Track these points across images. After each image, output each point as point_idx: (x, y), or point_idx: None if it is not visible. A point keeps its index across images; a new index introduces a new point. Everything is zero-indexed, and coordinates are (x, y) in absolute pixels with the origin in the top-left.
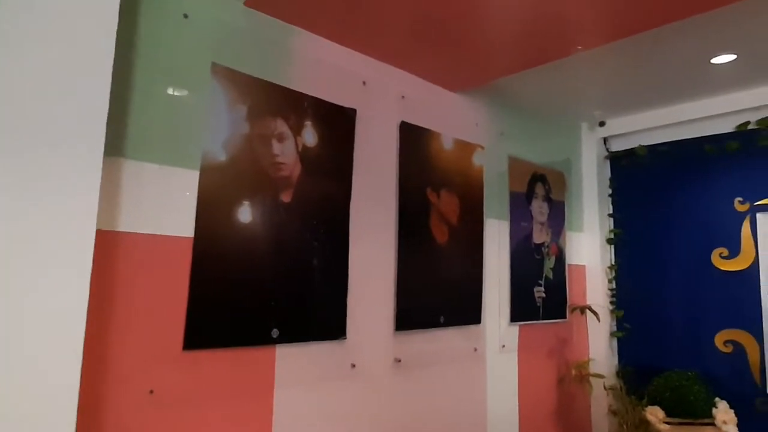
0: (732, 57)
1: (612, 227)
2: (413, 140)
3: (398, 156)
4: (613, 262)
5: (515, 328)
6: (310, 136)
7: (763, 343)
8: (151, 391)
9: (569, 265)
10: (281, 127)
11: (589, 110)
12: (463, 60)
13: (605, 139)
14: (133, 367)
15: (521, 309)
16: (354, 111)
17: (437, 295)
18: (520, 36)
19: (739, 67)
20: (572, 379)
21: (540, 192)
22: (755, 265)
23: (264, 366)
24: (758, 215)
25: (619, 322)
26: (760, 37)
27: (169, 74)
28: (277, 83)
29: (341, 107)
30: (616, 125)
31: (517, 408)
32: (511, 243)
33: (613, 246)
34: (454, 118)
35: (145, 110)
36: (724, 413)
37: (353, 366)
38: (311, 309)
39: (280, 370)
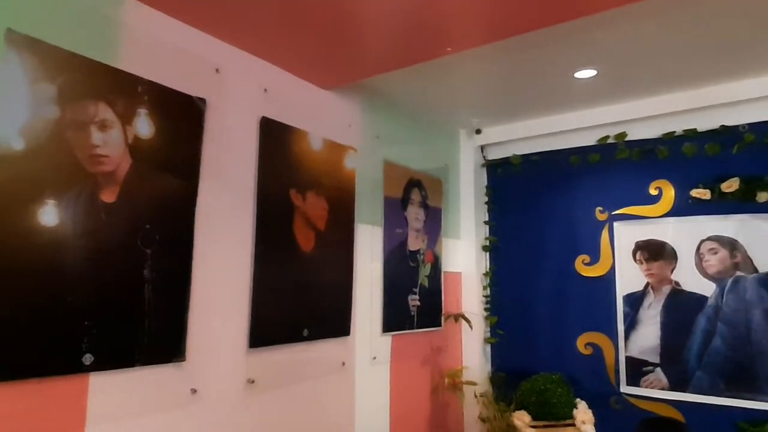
0: (593, 72)
1: (488, 234)
2: (276, 138)
3: (258, 154)
4: (488, 269)
5: (388, 339)
6: (144, 126)
7: (617, 345)
8: None
9: (445, 272)
10: (104, 113)
11: (467, 118)
12: (331, 55)
13: (482, 147)
14: None
15: (395, 318)
16: (203, 101)
17: (301, 306)
18: (391, 33)
19: (600, 82)
20: (446, 388)
21: (416, 198)
22: (612, 271)
23: (72, 399)
24: (615, 224)
25: (493, 329)
26: (618, 55)
27: None
28: (101, 61)
29: (187, 96)
30: (493, 134)
31: (388, 422)
32: (385, 250)
33: (488, 253)
34: (325, 116)
35: None
36: (583, 413)
37: (194, 392)
38: (139, 328)
39: (95, 404)
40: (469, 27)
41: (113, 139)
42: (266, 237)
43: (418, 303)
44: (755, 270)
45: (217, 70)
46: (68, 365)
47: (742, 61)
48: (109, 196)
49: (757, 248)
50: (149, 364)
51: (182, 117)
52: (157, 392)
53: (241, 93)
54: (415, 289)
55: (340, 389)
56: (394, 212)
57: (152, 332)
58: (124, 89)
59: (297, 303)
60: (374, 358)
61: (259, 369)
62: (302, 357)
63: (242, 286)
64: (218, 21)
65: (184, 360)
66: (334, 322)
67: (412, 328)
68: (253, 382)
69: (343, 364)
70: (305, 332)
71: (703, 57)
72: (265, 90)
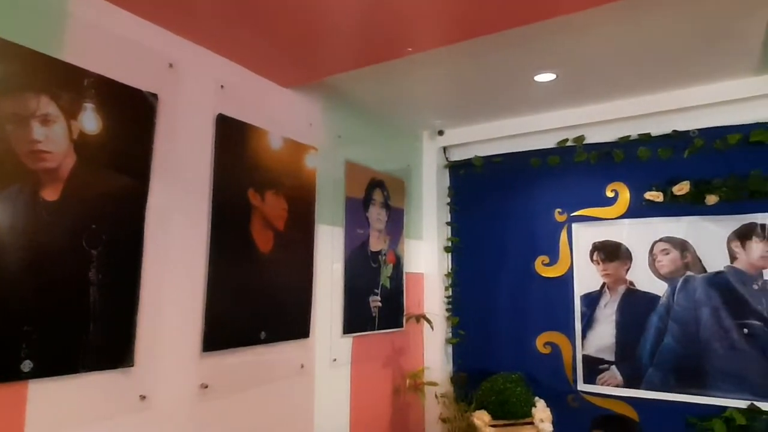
0: (552, 76)
1: (450, 235)
2: (233, 136)
3: (214, 152)
4: (450, 270)
5: (349, 340)
6: (90, 122)
7: (575, 344)
8: None
9: (407, 273)
10: (47, 107)
11: (430, 119)
12: (290, 52)
13: (445, 149)
14: None
15: (355, 319)
16: (155, 96)
17: (258, 308)
18: (351, 32)
19: (559, 86)
20: (407, 389)
21: (378, 198)
22: (570, 272)
23: (9, 409)
24: (574, 225)
25: (455, 329)
26: (576, 60)
27: None
28: (43, 52)
29: (138, 90)
30: (455, 135)
31: (348, 424)
32: (346, 251)
33: (450, 254)
34: (285, 115)
35: None
36: (541, 412)
37: (143, 398)
38: (83, 333)
39: (34, 413)
40: (430, 27)
41: (56, 135)
42: (222, 237)
43: (379, 304)
44: (704, 270)
45: (170, 65)
46: (5, 372)
47: (692, 69)
48: (51, 194)
49: (705, 249)
50: (94, 370)
51: (132, 113)
52: (103, 399)
53: (196, 89)
54: (376, 290)
55: (299, 392)
56: (356, 213)
57: (97, 337)
58: (69, 82)
59: (254, 305)
60: (334, 359)
61: (213, 373)
62: (259, 360)
63: (196, 288)
64: (171, 14)
65: (132, 365)
66: (293, 324)
67: (374, 330)
68: (206, 387)
69: (302, 366)
70: (263, 335)
71: (656, 64)
72: (222, 86)
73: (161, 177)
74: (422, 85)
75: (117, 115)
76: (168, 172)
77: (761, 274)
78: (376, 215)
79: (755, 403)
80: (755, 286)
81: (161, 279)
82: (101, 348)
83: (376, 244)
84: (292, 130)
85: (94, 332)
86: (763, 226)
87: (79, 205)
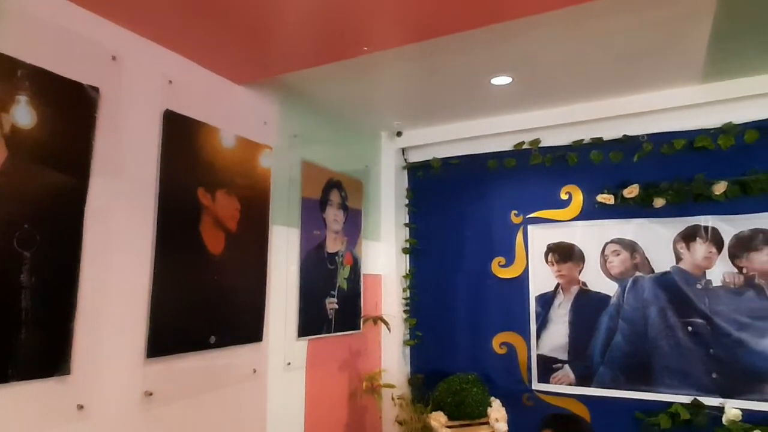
0: (508, 80)
1: (408, 236)
2: (182, 133)
3: (160, 149)
4: (408, 271)
5: (304, 343)
6: (23, 115)
7: (530, 344)
8: None
9: (365, 274)
10: None
11: (389, 120)
12: (243, 48)
13: (404, 150)
14: None
15: (311, 322)
16: (96, 90)
17: (208, 311)
18: (306, 29)
19: (515, 89)
20: (363, 391)
21: (336, 199)
22: (526, 273)
23: None
24: (529, 227)
25: (412, 331)
26: (532, 64)
27: None
28: None
29: (77, 83)
30: (414, 136)
31: (303, 429)
32: (302, 252)
33: (408, 255)
34: (238, 113)
35: None
36: (496, 411)
37: (81, 408)
38: (14, 340)
39: None
40: (386, 27)
41: None
42: (170, 238)
43: (336, 306)
44: (652, 270)
45: (113, 58)
46: None
47: (641, 77)
48: None
49: (653, 250)
50: (27, 379)
51: (71, 107)
52: (37, 410)
53: (142, 83)
54: (333, 292)
55: (251, 397)
56: (313, 213)
57: (30, 343)
58: (0, 73)
59: (204, 308)
60: (289, 363)
61: (158, 380)
62: (209, 365)
63: (140, 292)
64: (115, 4)
65: (68, 373)
66: (245, 327)
67: (330, 332)
68: (151, 394)
69: (255, 371)
70: (212, 339)
71: (608, 70)
72: (171, 82)
73: (103, 174)
74: (381, 85)
75: (54, 109)
76: (110, 169)
77: (704, 275)
78: (333, 216)
79: (698, 398)
80: (699, 286)
81: (101, 282)
82: (34, 355)
83: (333, 245)
84: (246, 128)
85: (27, 339)
86: (706, 228)
87: (10, 203)
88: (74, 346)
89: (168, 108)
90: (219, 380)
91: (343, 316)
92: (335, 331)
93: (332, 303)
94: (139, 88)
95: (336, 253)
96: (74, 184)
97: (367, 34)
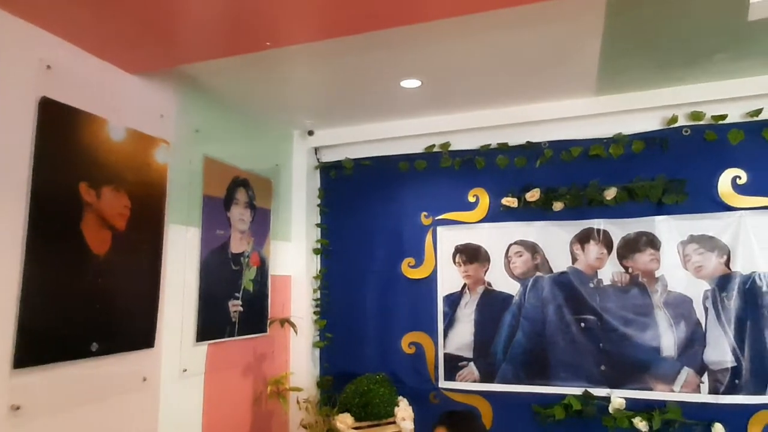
0: (418, 83)
1: (319, 237)
2: (62, 123)
3: (34, 140)
4: (318, 272)
5: (203, 348)
6: None
7: (437, 343)
8: None
9: (273, 275)
10: None
11: (300, 118)
12: (135, 35)
13: (316, 149)
14: None
15: (211, 326)
16: None
17: (89, 316)
18: (204, 18)
19: (424, 93)
20: (268, 396)
21: (242, 198)
22: (434, 273)
23: None
24: (438, 228)
25: (322, 332)
26: (440, 69)
27: None
28: None
29: None
30: (326, 136)
31: None
32: (203, 252)
33: (319, 256)
34: (130, 104)
35: None
36: (403, 410)
37: None
38: None
39: None
40: (289, 23)
41: None
42: (44, 237)
43: (240, 308)
44: (551, 270)
45: None
46: None
47: (541, 86)
48: None
49: (552, 251)
50: None
51: None
52: None
53: (13, 67)
54: (237, 294)
55: (141, 408)
56: (215, 212)
57: None
58: None
59: (84, 313)
60: (184, 370)
61: (27, 392)
62: (90, 374)
63: (6, 295)
64: None
65: None
66: (134, 333)
67: (233, 336)
68: (18, 408)
69: (145, 379)
70: (94, 346)
71: (511, 79)
72: (49, 66)
73: None
74: (291, 82)
75: None
76: None
77: (596, 274)
78: (239, 215)
79: (588, 389)
80: (591, 285)
81: None
82: None
83: (239, 245)
84: (139, 120)
85: None
86: (598, 231)
87: None
88: None
89: (45, 95)
90: (102, 391)
91: (248, 319)
92: (239, 335)
93: (236, 305)
94: (9, 72)
95: (241, 254)
96: None
97: (270, 29)
